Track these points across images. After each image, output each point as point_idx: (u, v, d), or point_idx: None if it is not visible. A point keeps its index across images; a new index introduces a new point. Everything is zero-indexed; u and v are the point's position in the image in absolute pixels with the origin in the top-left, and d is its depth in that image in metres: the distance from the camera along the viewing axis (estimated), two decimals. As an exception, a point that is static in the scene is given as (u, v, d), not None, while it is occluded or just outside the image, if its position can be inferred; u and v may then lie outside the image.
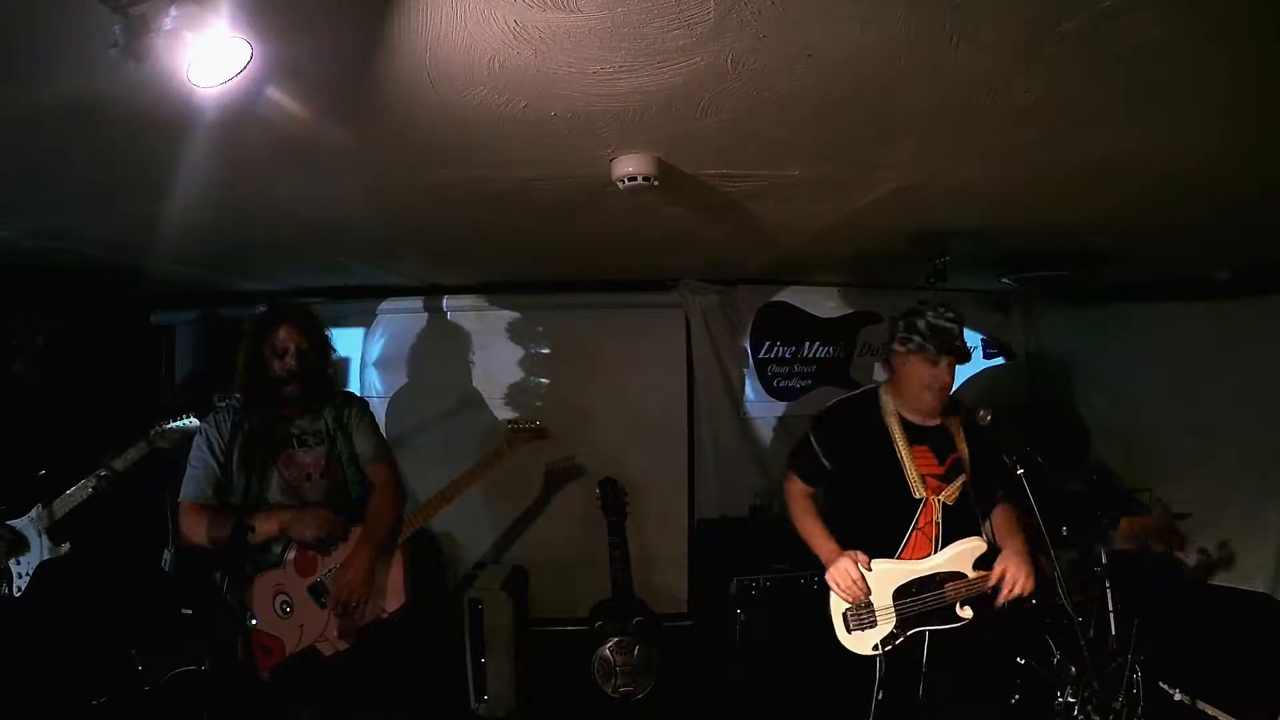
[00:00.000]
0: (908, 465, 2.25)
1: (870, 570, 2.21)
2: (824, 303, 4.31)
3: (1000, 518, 2.36)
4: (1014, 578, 2.15)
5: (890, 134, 1.76)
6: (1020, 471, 2.04)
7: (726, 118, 1.62)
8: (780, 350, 4.28)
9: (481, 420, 4.06)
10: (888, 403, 2.33)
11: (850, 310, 4.35)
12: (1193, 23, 1.22)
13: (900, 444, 2.27)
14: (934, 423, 2.29)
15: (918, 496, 2.24)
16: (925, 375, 2.22)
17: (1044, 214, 2.45)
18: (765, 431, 4.24)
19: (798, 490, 2.44)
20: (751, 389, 4.23)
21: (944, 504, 2.25)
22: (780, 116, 1.63)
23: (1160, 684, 2.84)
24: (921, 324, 2.23)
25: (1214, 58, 1.35)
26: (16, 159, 1.81)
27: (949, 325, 2.22)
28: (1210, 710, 2.81)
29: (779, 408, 4.27)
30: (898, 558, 2.24)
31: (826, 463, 2.38)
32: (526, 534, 4.11)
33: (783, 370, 4.29)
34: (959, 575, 2.20)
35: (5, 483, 2.59)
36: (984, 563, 2.21)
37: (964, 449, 2.28)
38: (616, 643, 3.47)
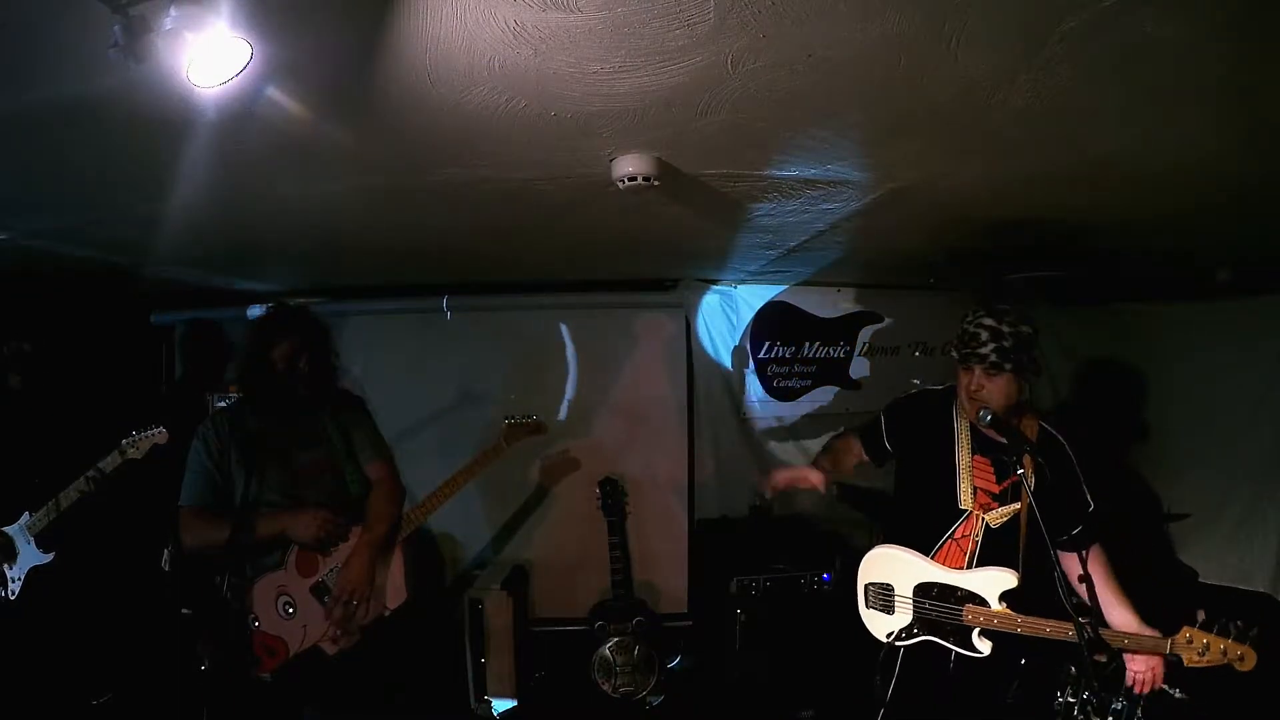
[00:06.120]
0: (961, 473, 2.18)
1: (901, 556, 2.21)
2: (824, 303, 4.30)
3: (1101, 577, 2.09)
4: (1155, 678, 2.13)
5: (890, 134, 1.75)
6: (1020, 472, 2.03)
7: (726, 118, 1.61)
8: (780, 350, 4.27)
9: (480, 419, 4.05)
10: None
11: (850, 310, 4.34)
12: (1193, 22, 1.21)
13: (962, 449, 2.20)
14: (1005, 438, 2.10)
15: (963, 507, 2.18)
16: (962, 382, 2.16)
17: (1043, 213, 2.44)
18: (765, 432, 4.24)
19: (846, 440, 2.47)
20: (751, 389, 4.23)
21: (988, 524, 2.15)
22: (780, 116, 1.62)
23: (1160, 684, 2.83)
24: (960, 327, 2.16)
25: (1214, 57, 1.34)
26: (17, 159, 1.80)
27: (975, 330, 2.09)
28: (1209, 709, 2.80)
29: (779, 408, 4.27)
30: (930, 559, 2.21)
31: (888, 444, 2.36)
32: (526, 533, 4.11)
33: (783, 370, 4.29)
34: (981, 600, 2.10)
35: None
36: (1011, 598, 2.09)
37: (1033, 475, 2.06)
38: (616, 643, 3.47)
